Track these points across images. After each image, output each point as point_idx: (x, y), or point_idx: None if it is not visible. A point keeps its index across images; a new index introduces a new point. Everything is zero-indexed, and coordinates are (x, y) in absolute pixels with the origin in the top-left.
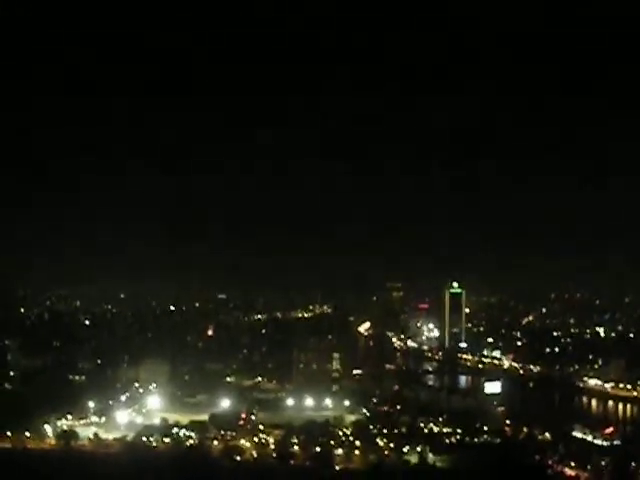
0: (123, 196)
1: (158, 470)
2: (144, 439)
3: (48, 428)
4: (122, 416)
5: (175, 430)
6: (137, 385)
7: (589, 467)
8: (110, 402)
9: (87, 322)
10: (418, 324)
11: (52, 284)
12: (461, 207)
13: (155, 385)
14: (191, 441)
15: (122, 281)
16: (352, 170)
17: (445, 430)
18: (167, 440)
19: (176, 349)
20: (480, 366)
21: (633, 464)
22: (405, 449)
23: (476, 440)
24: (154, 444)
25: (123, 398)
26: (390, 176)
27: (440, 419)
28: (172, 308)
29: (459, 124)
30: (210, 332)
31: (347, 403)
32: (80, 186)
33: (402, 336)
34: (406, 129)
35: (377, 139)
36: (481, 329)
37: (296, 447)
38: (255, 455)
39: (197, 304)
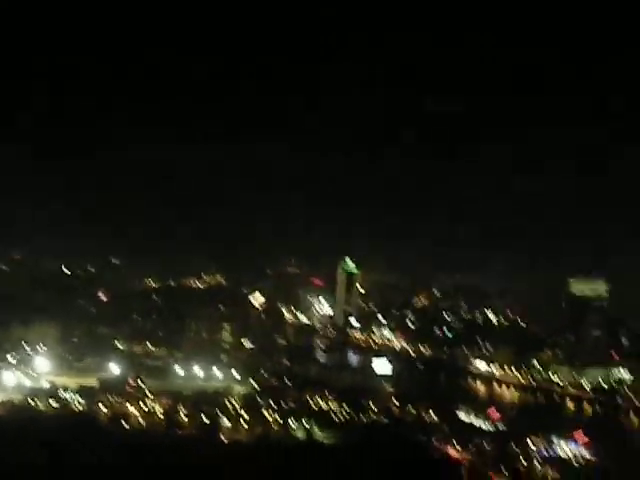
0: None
1: (45, 434)
2: (31, 402)
3: None
4: (9, 378)
5: (63, 394)
6: (26, 347)
7: (472, 448)
8: None
9: None
10: (311, 299)
11: None
12: (364, 185)
13: (44, 348)
14: (78, 406)
15: (16, 241)
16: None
17: (333, 407)
18: (55, 404)
19: (67, 312)
20: (370, 345)
21: (515, 448)
22: (292, 424)
23: (363, 418)
24: (41, 407)
25: (11, 360)
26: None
27: (329, 396)
28: (65, 270)
29: None
30: (102, 296)
31: (236, 374)
32: None
33: (294, 310)
34: None
35: None
36: (373, 307)
37: (184, 416)
38: (142, 423)
39: (90, 268)
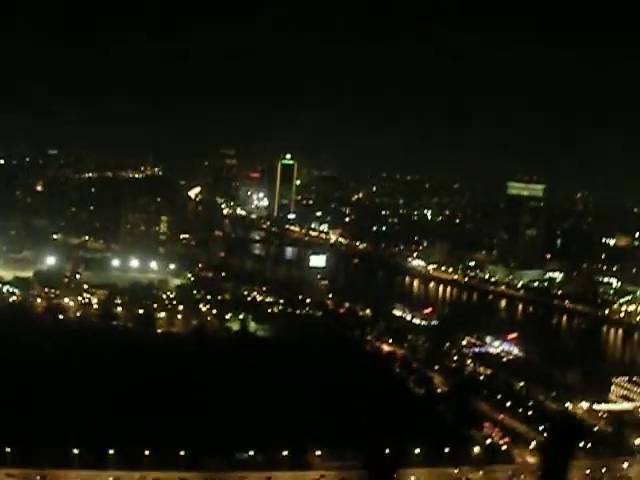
0: None
1: None
2: None
3: None
4: None
5: None
6: None
7: (405, 344)
8: None
9: None
10: (249, 193)
11: None
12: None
13: None
14: (14, 297)
15: None
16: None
17: (268, 300)
18: None
19: (3, 203)
20: (307, 239)
21: (447, 344)
22: (228, 316)
23: (298, 311)
24: None
25: None
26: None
27: (264, 288)
28: (1, 162)
29: None
30: (39, 188)
31: (172, 267)
32: None
33: (232, 203)
34: None
35: None
36: (311, 202)
37: (120, 308)
38: (78, 314)
39: (27, 159)
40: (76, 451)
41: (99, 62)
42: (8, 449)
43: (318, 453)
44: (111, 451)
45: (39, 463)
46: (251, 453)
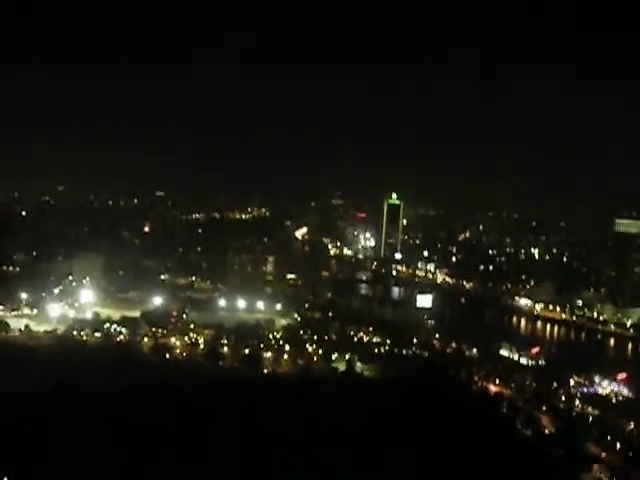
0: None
1: (88, 364)
2: (75, 333)
3: None
4: (54, 309)
5: (106, 325)
6: (71, 279)
7: (513, 385)
8: (43, 294)
9: (24, 213)
10: (355, 233)
11: None
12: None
13: (89, 279)
14: (122, 337)
15: (61, 174)
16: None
17: (374, 340)
18: (98, 335)
19: (112, 245)
20: (414, 279)
21: (555, 384)
22: (334, 356)
23: (404, 351)
24: (85, 338)
25: (56, 291)
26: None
27: (370, 328)
28: (110, 203)
29: None
30: (147, 229)
31: (279, 307)
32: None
33: (338, 244)
34: None
35: None
36: (417, 242)
37: (226, 348)
38: (185, 354)
39: (135, 200)
40: None
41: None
42: None
43: None
44: None
45: None
46: None
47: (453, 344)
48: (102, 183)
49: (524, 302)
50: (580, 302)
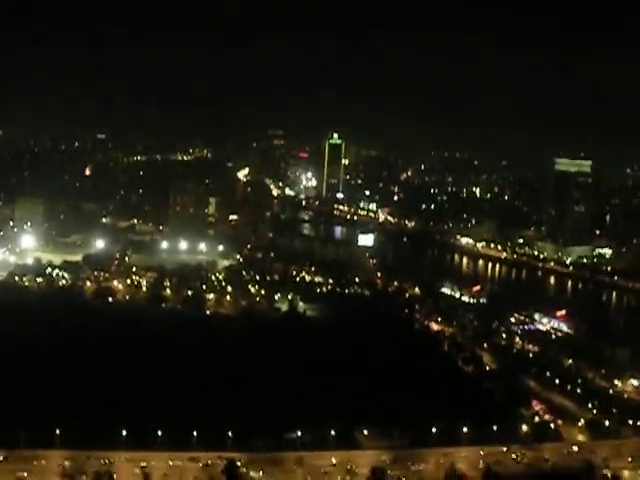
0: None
1: (29, 310)
2: (17, 279)
3: None
4: None
5: (48, 270)
6: (12, 224)
7: (455, 322)
8: None
9: None
10: (297, 173)
11: None
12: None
13: (30, 224)
14: (64, 281)
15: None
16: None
17: (317, 279)
18: (40, 280)
19: (53, 188)
20: (355, 218)
21: (496, 321)
22: (276, 296)
23: (347, 290)
24: (27, 284)
25: None
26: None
27: (313, 268)
28: (50, 146)
29: None
30: (88, 172)
31: (221, 248)
32: None
33: (280, 184)
34: None
35: None
36: (359, 181)
37: (168, 290)
38: (127, 297)
39: (76, 143)
40: (124, 432)
41: (147, 46)
42: (57, 431)
43: (366, 432)
44: (160, 432)
45: (88, 444)
46: (299, 433)
47: (395, 283)
48: (42, 127)
49: (465, 241)
50: (521, 240)
